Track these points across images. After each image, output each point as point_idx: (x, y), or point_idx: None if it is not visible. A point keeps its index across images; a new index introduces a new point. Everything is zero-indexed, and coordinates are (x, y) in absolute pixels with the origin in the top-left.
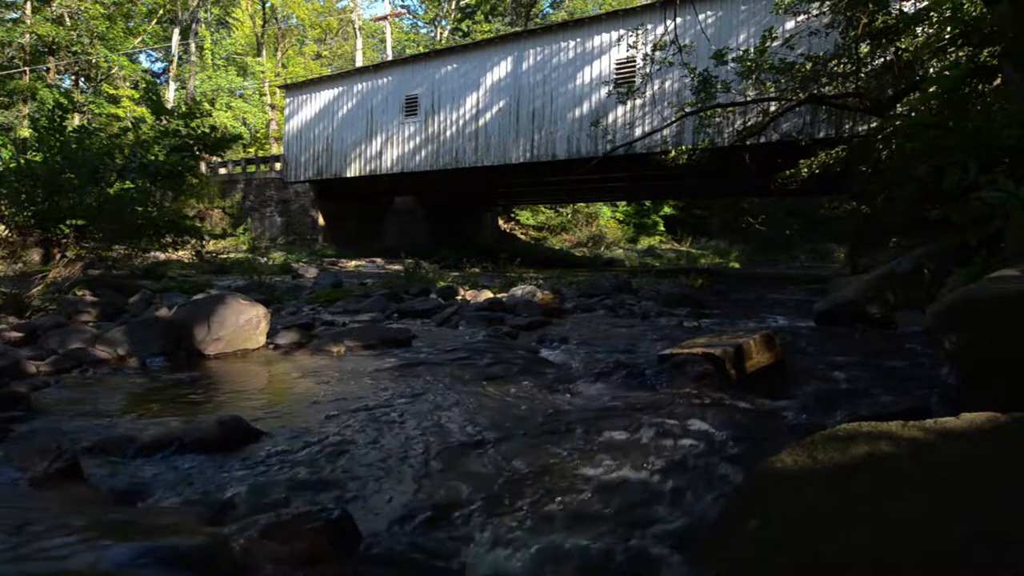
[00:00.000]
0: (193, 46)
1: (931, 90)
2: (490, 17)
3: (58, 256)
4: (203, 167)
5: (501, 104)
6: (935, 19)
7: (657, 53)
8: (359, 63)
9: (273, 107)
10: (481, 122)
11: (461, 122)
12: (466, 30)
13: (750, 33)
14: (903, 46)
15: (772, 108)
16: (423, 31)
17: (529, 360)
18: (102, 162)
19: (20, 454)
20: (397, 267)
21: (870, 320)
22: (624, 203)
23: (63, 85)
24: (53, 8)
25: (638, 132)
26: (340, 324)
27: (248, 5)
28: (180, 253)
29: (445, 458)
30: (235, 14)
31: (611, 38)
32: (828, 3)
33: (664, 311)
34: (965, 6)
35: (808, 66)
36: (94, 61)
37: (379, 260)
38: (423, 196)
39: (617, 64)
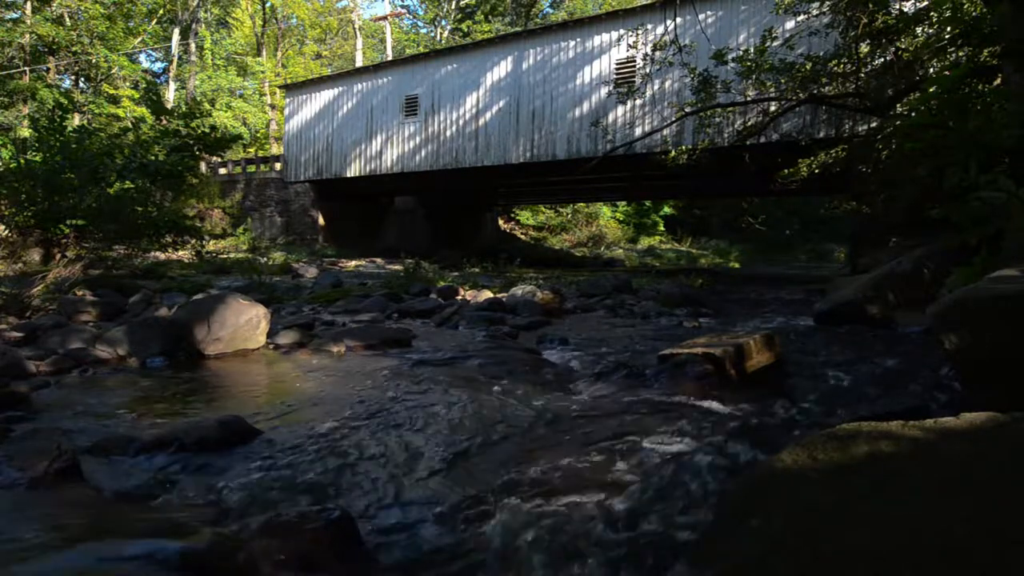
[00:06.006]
0: (193, 46)
1: (931, 90)
2: (490, 17)
3: (58, 256)
4: (203, 167)
5: (501, 104)
6: (935, 19)
7: (657, 53)
8: (359, 63)
9: (273, 107)
10: (481, 122)
11: (461, 122)
12: (466, 30)
13: (750, 33)
14: (903, 46)
15: (772, 108)
16: (423, 31)
17: (529, 360)
18: (102, 162)
19: (20, 454)
20: (397, 267)
21: (870, 320)
22: (624, 203)
23: (63, 85)
24: (53, 8)
25: (638, 132)
26: (340, 324)
27: (248, 5)
28: (180, 253)
29: (445, 458)
30: (235, 14)
31: (611, 38)
32: (828, 3)
33: (664, 311)
34: (965, 6)
35: (808, 66)
36: (94, 61)
37: (379, 260)
38: (423, 196)
39: (617, 64)
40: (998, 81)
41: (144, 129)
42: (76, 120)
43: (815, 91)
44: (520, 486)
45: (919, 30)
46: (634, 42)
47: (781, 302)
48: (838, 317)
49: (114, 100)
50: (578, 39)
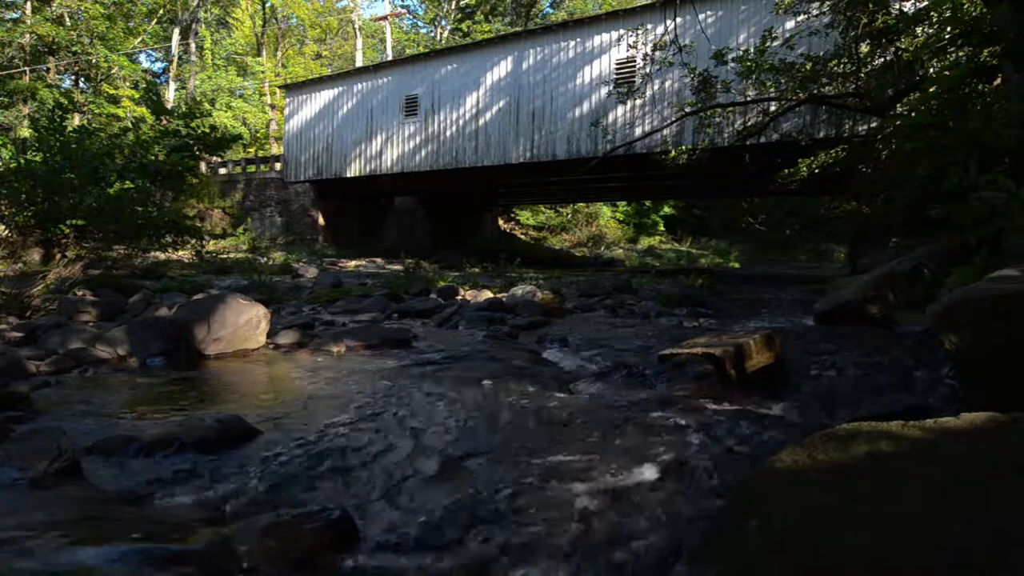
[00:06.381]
0: (193, 46)
1: (931, 90)
2: (490, 17)
3: (58, 256)
4: (203, 167)
5: (501, 104)
6: (935, 19)
7: (657, 53)
8: (359, 63)
9: (273, 107)
10: (481, 122)
11: (461, 122)
12: (466, 30)
13: (750, 33)
14: (903, 46)
15: (772, 108)
16: (423, 31)
17: (529, 360)
18: (102, 162)
19: (20, 454)
20: (397, 267)
21: (870, 320)
22: (624, 203)
23: (63, 85)
24: (53, 8)
25: (638, 132)
26: (340, 324)
27: (248, 5)
28: (180, 253)
29: (444, 459)
30: (235, 14)
31: (611, 38)
32: (828, 3)
33: (664, 311)
34: (965, 6)
35: (808, 66)
36: (94, 61)
37: (379, 260)
38: (423, 196)
39: (617, 64)
40: (998, 81)
41: (144, 129)
42: (76, 120)
43: (815, 91)
44: (520, 486)
45: (919, 30)
46: (634, 42)
47: (781, 302)
48: (838, 317)
49: (114, 100)
50: (578, 39)
